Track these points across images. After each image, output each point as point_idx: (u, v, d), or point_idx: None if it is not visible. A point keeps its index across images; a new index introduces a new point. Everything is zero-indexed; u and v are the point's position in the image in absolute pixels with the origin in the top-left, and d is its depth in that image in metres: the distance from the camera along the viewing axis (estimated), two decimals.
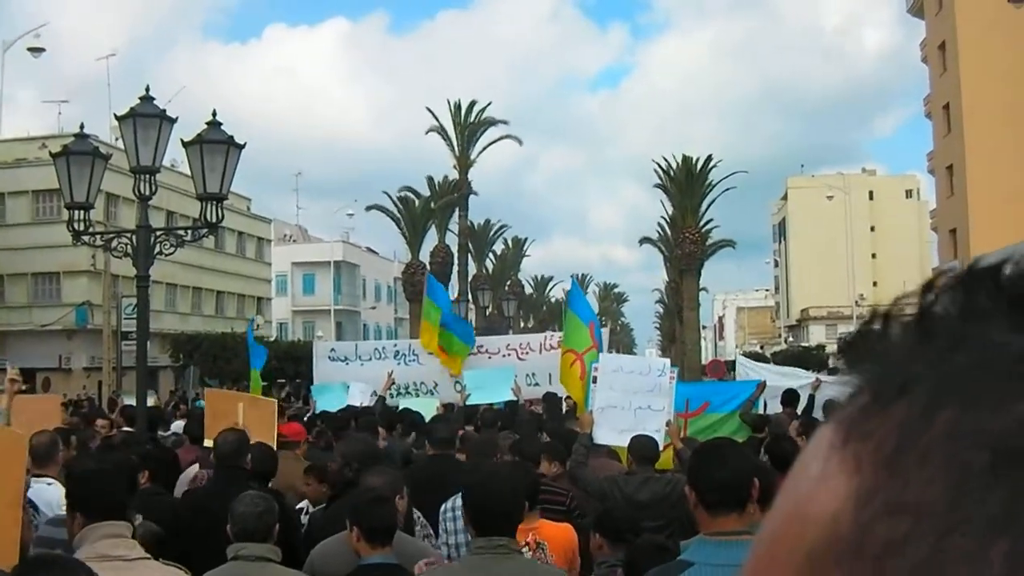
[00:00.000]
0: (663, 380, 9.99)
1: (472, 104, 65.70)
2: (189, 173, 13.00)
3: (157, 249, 12.52)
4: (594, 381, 10.18)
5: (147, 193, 12.41)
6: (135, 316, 47.13)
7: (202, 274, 66.18)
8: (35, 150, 55.94)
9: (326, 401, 17.43)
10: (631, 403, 9.72)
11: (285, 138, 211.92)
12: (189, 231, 13.27)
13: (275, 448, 9.58)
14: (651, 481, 8.58)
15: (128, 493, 5.75)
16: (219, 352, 50.87)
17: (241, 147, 12.60)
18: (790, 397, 15.70)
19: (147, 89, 12.77)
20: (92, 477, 5.59)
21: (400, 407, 16.30)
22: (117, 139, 39.29)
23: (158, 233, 12.79)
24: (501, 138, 66.89)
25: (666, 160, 62.55)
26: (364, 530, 5.83)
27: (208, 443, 10.36)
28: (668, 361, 10.95)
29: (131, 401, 18.71)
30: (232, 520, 6.03)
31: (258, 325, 63.39)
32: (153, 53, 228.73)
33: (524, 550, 6.59)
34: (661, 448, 9.35)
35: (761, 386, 13.91)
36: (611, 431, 9.55)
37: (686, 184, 61.13)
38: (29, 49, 43.28)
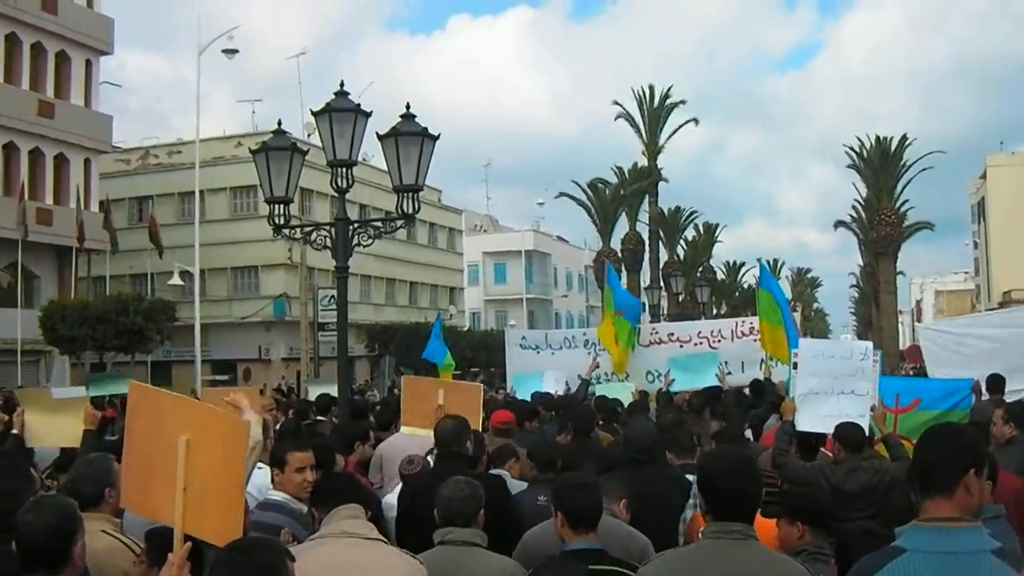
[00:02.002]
0: (866, 364, 9.70)
1: (659, 90, 65.37)
2: (380, 166, 13.13)
3: (355, 241, 12.68)
4: (794, 367, 9.97)
5: (344, 186, 12.56)
6: (331, 307, 48.20)
7: (395, 265, 67.16)
8: (231, 148, 57.46)
9: (525, 390, 17.45)
10: (833, 388, 9.46)
11: (472, 128, 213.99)
12: (386, 223, 13.36)
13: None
14: (859, 470, 8.34)
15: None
16: (413, 342, 51.45)
17: (435, 139, 12.65)
18: (996, 382, 14.97)
19: (341, 84, 12.91)
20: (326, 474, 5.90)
21: (596, 394, 16.26)
22: (310, 135, 40.33)
23: (355, 225, 12.94)
24: (687, 122, 66.44)
25: (859, 140, 61.42)
26: (567, 515, 5.78)
27: (406, 430, 10.43)
28: (871, 344, 10.58)
29: (325, 390, 19.01)
30: (437, 505, 6.07)
31: (451, 315, 64.15)
32: (340, 50, 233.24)
33: None
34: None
35: (975, 387, 13.34)
36: (814, 417, 9.31)
37: (880, 165, 59.88)
38: (223, 51, 44.28)
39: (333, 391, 17.75)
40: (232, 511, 4.74)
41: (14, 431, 9.63)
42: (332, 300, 47.23)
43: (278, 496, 6.67)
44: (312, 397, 19.61)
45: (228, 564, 3.98)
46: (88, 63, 50.81)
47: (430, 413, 9.30)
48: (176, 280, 46.60)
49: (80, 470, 6.20)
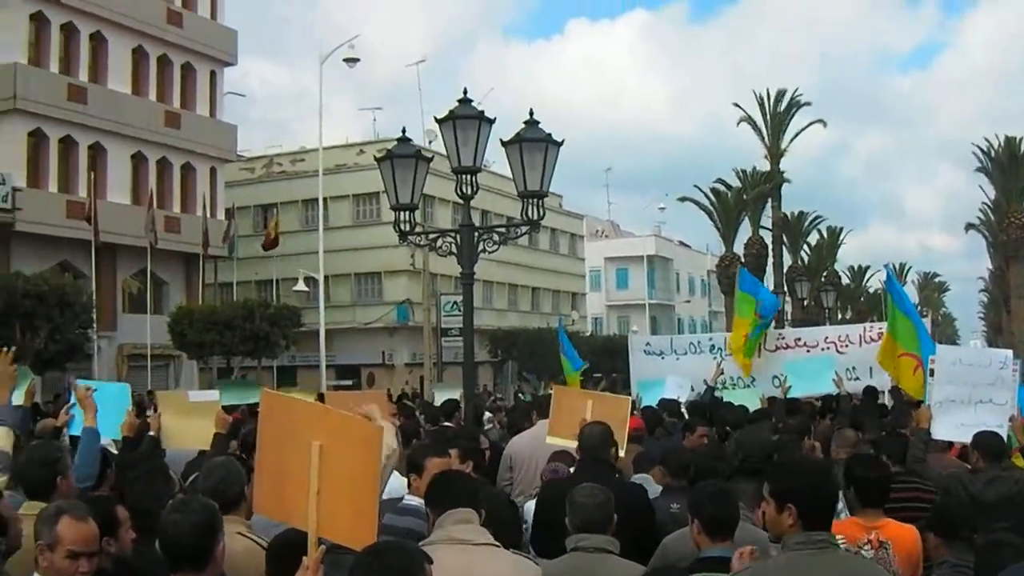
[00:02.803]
0: (1005, 373, 9.53)
1: (781, 93, 64.75)
2: (501, 172, 13.15)
3: (480, 247, 12.72)
4: (931, 374, 9.80)
5: (468, 193, 12.62)
6: (454, 313, 48.41)
7: (518, 271, 67.29)
8: (353, 156, 58.19)
9: (650, 396, 17.31)
10: (971, 397, 9.30)
11: (591, 133, 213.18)
12: (511, 229, 13.39)
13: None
14: (998, 480, 8.14)
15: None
16: (536, 347, 51.65)
17: (559, 144, 12.64)
18: None
19: (464, 92, 12.97)
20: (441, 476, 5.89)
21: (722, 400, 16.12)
22: (431, 142, 40.61)
23: (480, 231, 12.99)
24: (813, 123, 65.70)
25: (987, 141, 60.19)
26: (704, 522, 5.74)
27: (551, 440, 10.40)
28: (1010, 353, 10.36)
29: (450, 395, 19.10)
30: (571, 511, 6.04)
31: (572, 321, 64.13)
32: (458, 57, 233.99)
33: (866, 549, 6.36)
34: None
35: None
36: (950, 426, 9.16)
37: (1009, 166, 58.64)
38: (345, 60, 44.85)
39: (457, 395, 17.87)
40: (367, 515, 4.78)
41: (150, 433, 9.81)
42: (455, 306, 47.61)
43: (414, 501, 6.71)
44: (438, 402, 19.73)
45: (363, 567, 4.02)
46: (213, 74, 52.01)
47: (576, 425, 9.28)
48: (301, 286, 47.24)
49: (220, 472, 6.30)
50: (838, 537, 4.98)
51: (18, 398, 11.41)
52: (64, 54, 44.95)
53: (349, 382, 50.57)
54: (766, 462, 7.77)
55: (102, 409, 8.53)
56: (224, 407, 10.34)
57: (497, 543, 5.45)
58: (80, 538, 4.91)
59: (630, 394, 17.42)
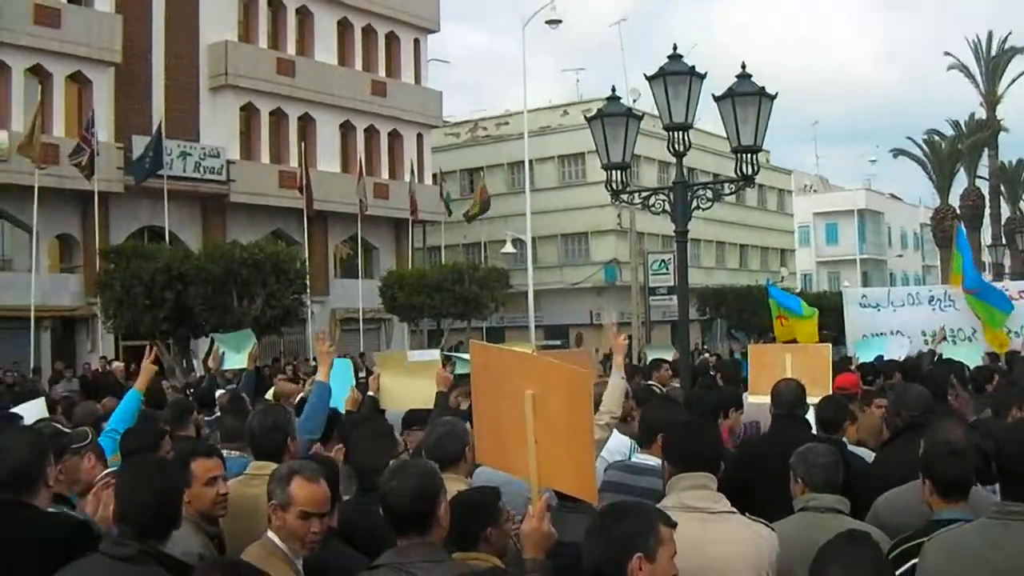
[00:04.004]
0: None
1: (997, 37, 62.47)
2: (705, 128, 12.94)
3: (693, 204, 12.57)
4: None
5: (680, 150, 12.46)
6: (661, 272, 48.12)
7: (726, 228, 66.54)
8: (557, 117, 58.27)
9: (866, 354, 16.91)
10: None
11: (797, 86, 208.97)
12: (724, 185, 13.20)
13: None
14: None
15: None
16: (745, 305, 51.01)
17: (773, 98, 12.38)
18: None
19: (674, 47, 12.77)
20: (686, 428, 5.79)
21: (942, 356, 15.69)
22: (635, 100, 40.29)
23: (694, 188, 12.83)
24: None
25: None
26: (937, 483, 5.52)
27: (752, 399, 10.25)
28: None
29: (660, 354, 19.02)
30: (806, 472, 5.90)
31: (782, 277, 63.29)
32: (658, 14, 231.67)
33: None
34: None
35: None
36: None
37: None
38: (547, 22, 44.98)
39: (667, 355, 17.73)
40: (584, 462, 4.74)
41: (370, 393, 9.96)
42: (663, 264, 47.35)
43: (651, 460, 6.62)
44: (648, 361, 19.66)
45: (594, 530, 4.01)
46: (416, 42, 52.71)
47: (776, 380, 9.11)
48: (509, 248, 47.60)
49: (443, 428, 6.36)
50: None
51: (242, 361, 11.80)
52: (272, 30, 46.26)
53: (557, 342, 50.74)
54: (924, 416, 7.51)
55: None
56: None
57: (733, 509, 5.24)
58: (312, 499, 4.98)
59: (845, 352, 17.10)
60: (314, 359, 16.61)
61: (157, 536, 4.45)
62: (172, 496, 4.60)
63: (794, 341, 18.09)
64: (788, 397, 7.94)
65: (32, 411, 8.93)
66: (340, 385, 9.31)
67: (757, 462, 7.15)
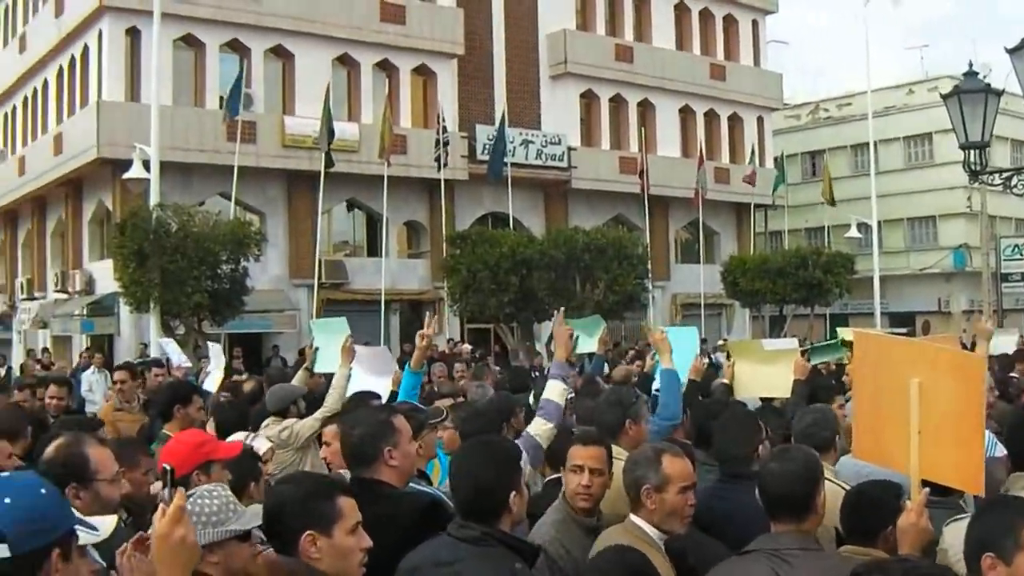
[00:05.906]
0: None
1: None
2: None
3: None
4: None
5: None
6: (1015, 257, 46.01)
7: None
8: (903, 97, 56.58)
9: None
10: None
11: None
12: None
13: None
14: None
15: None
16: None
17: None
18: None
19: None
20: None
21: None
22: (984, 76, 38.69)
23: None
24: None
25: None
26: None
27: None
28: None
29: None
30: None
31: None
32: None
33: None
34: None
35: None
36: None
37: None
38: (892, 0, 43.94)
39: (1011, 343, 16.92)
40: (973, 453, 4.58)
41: (724, 381, 9.93)
42: (1017, 249, 45.38)
43: None
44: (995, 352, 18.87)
45: None
46: (755, 23, 52.24)
47: None
48: (853, 232, 46.54)
49: (811, 416, 6.37)
50: None
51: (593, 345, 11.96)
52: (610, 16, 46.61)
53: (903, 330, 49.33)
54: None
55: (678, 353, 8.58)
56: None
57: None
58: (687, 472, 5.07)
59: None
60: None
61: (491, 519, 4.40)
62: (503, 481, 4.48)
63: None
64: None
65: (383, 389, 9.20)
66: (684, 356, 9.24)
67: None
